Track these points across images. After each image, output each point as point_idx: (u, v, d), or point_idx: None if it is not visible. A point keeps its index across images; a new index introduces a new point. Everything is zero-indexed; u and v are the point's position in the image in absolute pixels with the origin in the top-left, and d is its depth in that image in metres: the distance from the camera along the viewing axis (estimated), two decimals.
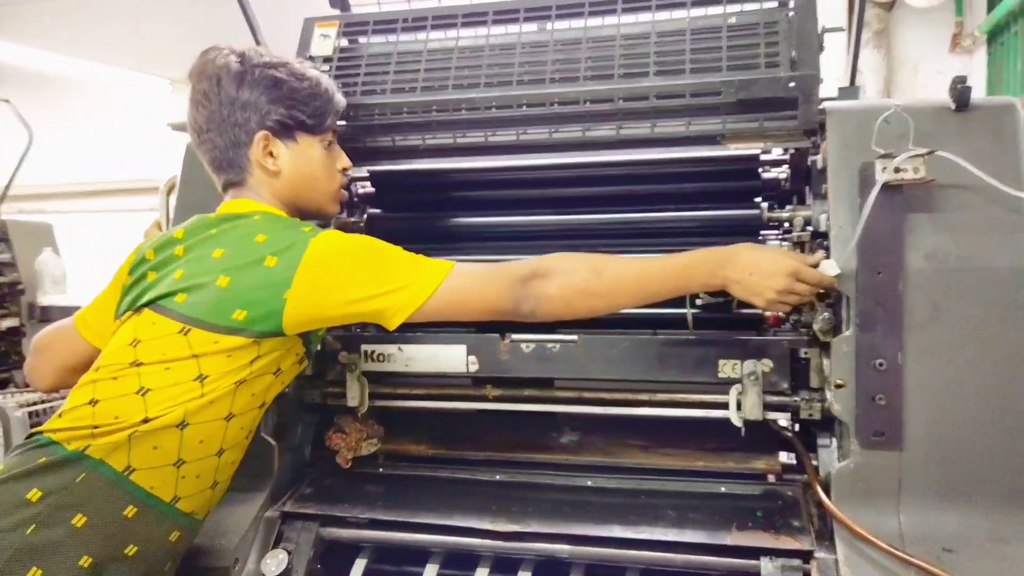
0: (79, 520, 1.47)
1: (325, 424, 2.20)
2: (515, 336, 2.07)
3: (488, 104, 1.99)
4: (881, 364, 1.68)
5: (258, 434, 2.01)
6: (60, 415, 1.60)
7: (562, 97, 1.96)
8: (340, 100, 1.92)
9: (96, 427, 1.54)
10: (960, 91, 1.71)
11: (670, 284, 1.70)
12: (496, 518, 1.85)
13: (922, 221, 1.68)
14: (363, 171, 2.38)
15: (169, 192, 2.69)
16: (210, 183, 1.94)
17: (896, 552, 1.58)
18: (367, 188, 2.39)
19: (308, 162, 1.82)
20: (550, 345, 2.04)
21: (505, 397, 2.09)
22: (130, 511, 1.53)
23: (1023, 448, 1.63)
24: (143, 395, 1.56)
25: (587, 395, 2.07)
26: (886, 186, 1.64)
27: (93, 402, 1.57)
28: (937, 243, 1.68)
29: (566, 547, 1.80)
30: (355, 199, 2.39)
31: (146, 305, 1.66)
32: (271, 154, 1.78)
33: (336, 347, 2.15)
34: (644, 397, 2.03)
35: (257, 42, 2.46)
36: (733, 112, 1.90)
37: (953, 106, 1.74)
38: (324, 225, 2.02)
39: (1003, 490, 1.64)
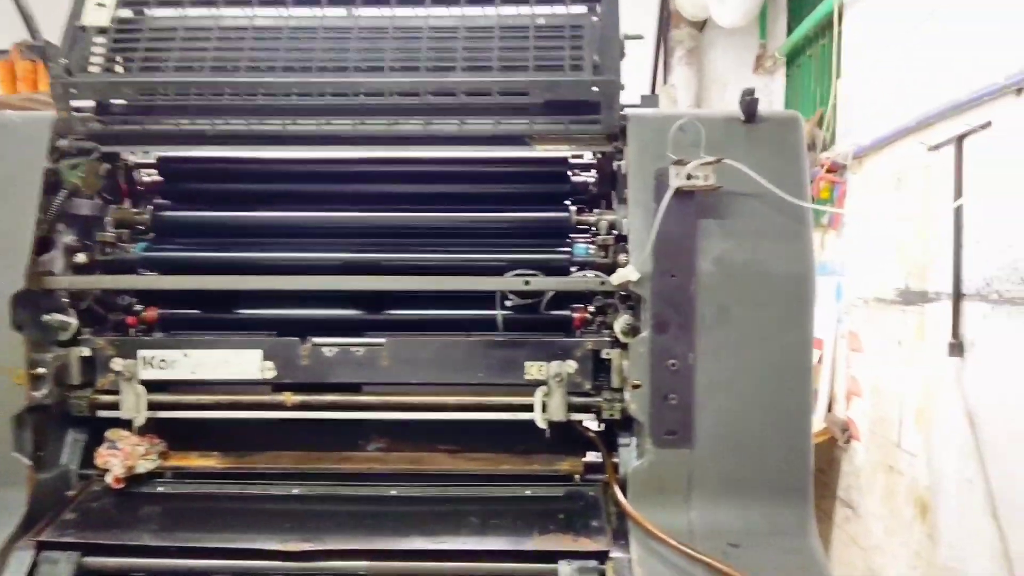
0: None
1: (98, 439, 1.97)
2: (317, 340, 1.95)
3: (287, 90, 1.85)
4: (673, 364, 1.72)
5: (6, 453, 1.76)
6: None
7: (367, 88, 1.86)
8: None
9: None
10: (748, 103, 1.80)
11: None
12: (288, 537, 1.72)
13: (712, 226, 1.75)
14: (150, 157, 2.16)
15: None
16: None
17: (684, 549, 1.62)
18: (154, 177, 2.17)
19: None
20: (355, 349, 1.94)
21: (306, 405, 1.96)
22: None
23: (797, 444, 1.73)
24: None
25: (394, 400, 1.98)
26: (679, 192, 1.69)
27: None
28: (725, 248, 1.75)
29: (364, 563, 1.70)
30: (139, 188, 2.16)
31: None
32: None
33: (108, 352, 1.92)
34: (452, 401, 1.98)
35: (22, 11, 2.17)
36: (540, 113, 1.88)
37: (743, 117, 1.82)
38: None
39: (781, 485, 1.74)
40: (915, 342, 3.18)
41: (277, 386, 1.97)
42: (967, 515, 2.71)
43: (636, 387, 1.75)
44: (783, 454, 1.73)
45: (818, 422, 3.97)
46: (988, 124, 2.59)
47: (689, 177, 1.68)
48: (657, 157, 1.78)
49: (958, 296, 2.77)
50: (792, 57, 5.46)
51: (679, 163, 1.69)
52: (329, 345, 1.93)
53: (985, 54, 2.64)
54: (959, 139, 2.76)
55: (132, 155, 2.13)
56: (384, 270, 2.01)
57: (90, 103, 1.95)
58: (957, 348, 2.75)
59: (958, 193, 2.77)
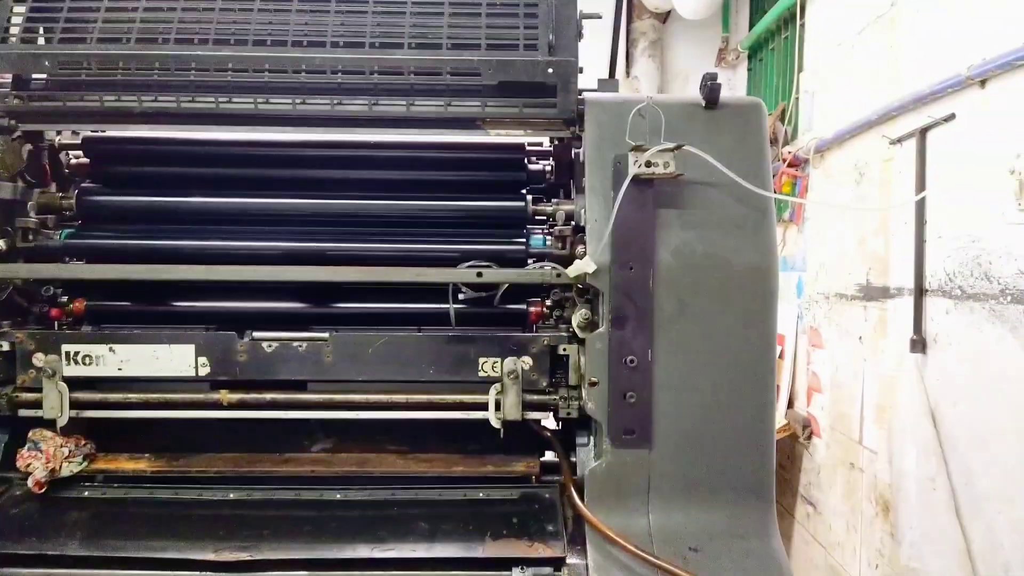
0: None
1: (20, 440, 1.82)
2: (256, 334, 1.83)
3: (221, 64, 1.73)
4: (632, 361, 1.64)
5: None
6: None
7: (309, 64, 1.74)
8: None
9: None
10: (710, 88, 1.72)
11: None
12: (222, 545, 1.60)
13: (672, 216, 1.67)
14: (76, 138, 2.02)
15: None
16: None
17: (642, 554, 1.54)
18: (81, 158, 2.02)
19: None
20: (296, 344, 1.82)
21: (244, 404, 1.84)
22: None
23: (760, 444, 1.66)
24: None
25: (339, 398, 1.87)
26: (637, 179, 1.60)
27: None
28: (685, 239, 1.67)
29: (303, 573, 1.60)
30: (65, 170, 2.01)
31: None
32: None
33: (29, 347, 1.78)
34: (401, 399, 1.87)
35: None
36: (493, 95, 1.79)
37: (704, 103, 1.75)
38: None
39: (742, 485, 1.67)
40: (876, 338, 3.15)
41: (215, 383, 1.85)
42: (928, 513, 2.69)
43: (593, 384, 1.67)
44: (745, 454, 1.66)
45: (779, 418, 3.94)
46: (952, 116, 2.55)
47: (648, 164, 1.60)
48: (616, 143, 1.69)
49: (920, 291, 2.74)
50: (754, 50, 5.44)
51: (638, 149, 1.60)
52: (269, 340, 1.82)
53: (947, 45, 2.61)
54: (922, 132, 2.73)
55: (57, 135, 1.99)
56: (329, 260, 1.90)
57: (8, 77, 1.81)
58: (919, 344, 2.72)
59: (920, 187, 2.74)
